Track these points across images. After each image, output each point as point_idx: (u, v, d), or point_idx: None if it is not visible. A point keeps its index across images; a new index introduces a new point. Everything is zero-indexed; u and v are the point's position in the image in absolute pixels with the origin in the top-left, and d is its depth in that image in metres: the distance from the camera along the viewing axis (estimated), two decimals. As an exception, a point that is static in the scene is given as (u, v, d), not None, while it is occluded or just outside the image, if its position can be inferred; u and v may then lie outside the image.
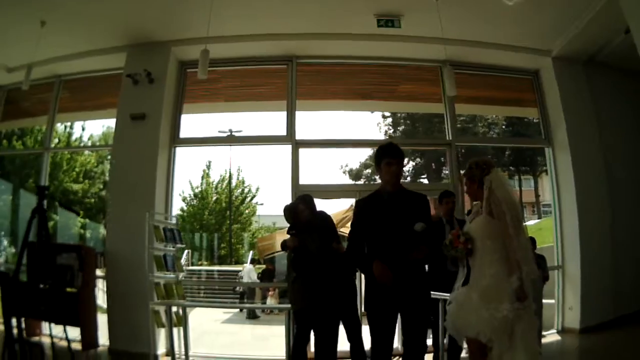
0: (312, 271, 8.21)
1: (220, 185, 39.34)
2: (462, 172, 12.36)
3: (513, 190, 6.30)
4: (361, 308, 9.16)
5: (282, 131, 12.45)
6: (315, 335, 8.28)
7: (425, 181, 32.54)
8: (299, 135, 12.29)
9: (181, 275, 11.31)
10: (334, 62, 13.04)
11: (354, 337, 8.26)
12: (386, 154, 6.24)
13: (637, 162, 12.81)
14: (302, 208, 8.73)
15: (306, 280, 8.28)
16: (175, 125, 12.26)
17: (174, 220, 11.83)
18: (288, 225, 9.05)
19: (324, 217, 8.82)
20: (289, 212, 8.82)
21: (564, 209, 12.48)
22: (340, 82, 13.21)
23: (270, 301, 22.83)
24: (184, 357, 10.30)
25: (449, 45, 11.40)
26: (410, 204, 6.18)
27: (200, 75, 9.90)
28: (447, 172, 29.35)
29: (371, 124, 27.81)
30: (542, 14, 10.83)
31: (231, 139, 15.24)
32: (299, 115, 12.49)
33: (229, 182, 38.95)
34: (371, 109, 19.54)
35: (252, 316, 20.85)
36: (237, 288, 25.12)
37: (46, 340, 9.32)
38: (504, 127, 26.44)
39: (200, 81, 11.68)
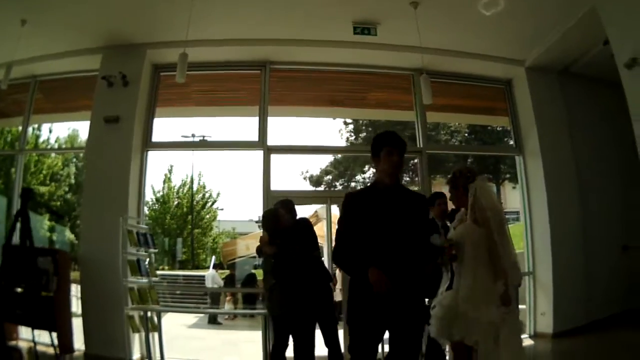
0: (291, 278, 8.07)
1: (181, 189, 39.13)
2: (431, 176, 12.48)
3: (497, 197, 6.35)
4: (339, 316, 9.12)
5: (250, 136, 12.47)
6: (294, 340, 8.13)
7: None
8: (269, 141, 12.26)
9: (154, 280, 11.22)
10: (307, 69, 13.05)
11: (332, 342, 8.25)
12: (387, 142, 5.51)
13: (608, 170, 13.03)
14: (282, 213, 8.58)
15: (285, 287, 8.11)
16: (148, 129, 12.17)
17: (145, 225, 11.68)
18: (265, 230, 8.86)
19: (306, 223, 8.70)
20: (270, 217, 8.61)
21: (535, 215, 12.64)
22: (311, 89, 13.28)
23: (228, 306, 22.74)
24: (159, 362, 10.22)
25: (425, 54, 11.49)
26: (410, 202, 5.47)
27: (179, 79, 9.87)
28: (407, 179, 29.44)
29: (333, 130, 27.84)
30: (518, 24, 10.99)
31: (203, 144, 15.15)
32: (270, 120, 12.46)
33: (191, 187, 38.75)
34: (341, 116, 19.70)
35: (214, 322, 20.67)
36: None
37: (22, 344, 9.28)
38: (466, 135, 26.61)
39: (171, 85, 11.86)
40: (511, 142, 13.57)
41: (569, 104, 12.90)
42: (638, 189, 10.48)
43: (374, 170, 6.03)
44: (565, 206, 12.24)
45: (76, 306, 10.55)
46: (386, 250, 5.16)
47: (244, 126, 13.80)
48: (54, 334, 8.52)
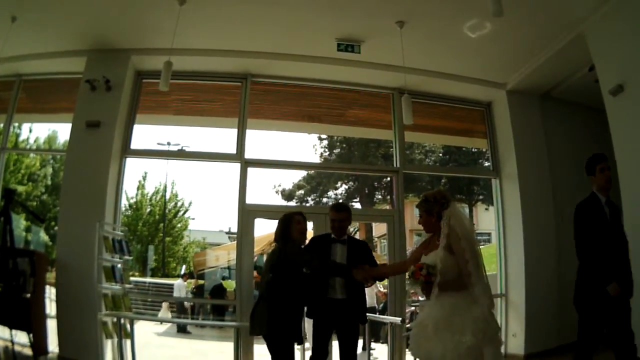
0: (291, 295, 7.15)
1: (154, 197, 38.76)
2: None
3: (471, 224, 6.38)
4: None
5: (227, 149, 12.53)
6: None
7: (358, 205, 32.52)
8: (247, 155, 12.28)
9: (127, 287, 11.20)
10: (288, 83, 13.09)
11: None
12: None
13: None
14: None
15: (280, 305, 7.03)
16: (128, 136, 12.14)
17: (121, 231, 11.64)
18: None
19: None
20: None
21: (509, 238, 12.83)
22: (291, 103, 13.34)
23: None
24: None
25: (406, 73, 11.57)
26: None
27: (162, 87, 9.95)
28: (379, 196, 29.46)
29: (308, 145, 27.78)
30: (502, 48, 11.19)
31: (182, 154, 15.01)
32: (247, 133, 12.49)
33: (164, 195, 38.46)
34: (317, 132, 19.71)
35: (183, 331, 20.58)
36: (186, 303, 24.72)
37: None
38: (441, 155, 26.77)
39: (151, 92, 12.01)
40: (487, 164, 13.70)
41: (548, 128, 13.07)
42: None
43: None
44: (541, 230, 12.36)
45: (49, 308, 10.50)
46: None
47: (221, 138, 13.78)
48: (31, 335, 8.51)
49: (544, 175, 12.75)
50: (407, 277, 6.15)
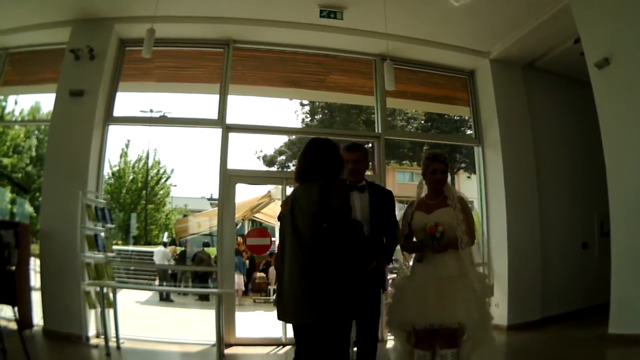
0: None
1: (137, 164, 38.53)
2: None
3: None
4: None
5: (209, 114, 12.57)
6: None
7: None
8: (228, 120, 12.26)
9: (110, 255, 11.20)
10: (270, 49, 13.05)
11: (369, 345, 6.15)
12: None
13: (569, 166, 13.31)
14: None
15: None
16: (110, 104, 12.08)
17: (103, 199, 11.61)
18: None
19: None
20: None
21: (491, 206, 12.90)
22: (273, 69, 13.27)
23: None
24: (114, 338, 10.21)
25: (389, 40, 11.57)
26: None
27: (145, 54, 9.92)
28: (370, 164, 29.53)
29: (289, 111, 27.70)
30: (486, 16, 11.13)
31: (163, 120, 14.92)
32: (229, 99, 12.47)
33: (146, 162, 38.26)
34: (299, 98, 19.69)
35: (165, 299, 20.59)
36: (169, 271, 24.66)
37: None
38: (423, 122, 26.74)
39: (133, 60, 12.01)
40: (469, 132, 13.73)
41: (531, 98, 13.12)
42: (599, 187, 10.58)
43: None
44: (523, 199, 12.50)
45: (34, 280, 10.48)
46: None
47: (203, 104, 13.74)
48: (16, 309, 8.47)
49: (526, 144, 12.83)
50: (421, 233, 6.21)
